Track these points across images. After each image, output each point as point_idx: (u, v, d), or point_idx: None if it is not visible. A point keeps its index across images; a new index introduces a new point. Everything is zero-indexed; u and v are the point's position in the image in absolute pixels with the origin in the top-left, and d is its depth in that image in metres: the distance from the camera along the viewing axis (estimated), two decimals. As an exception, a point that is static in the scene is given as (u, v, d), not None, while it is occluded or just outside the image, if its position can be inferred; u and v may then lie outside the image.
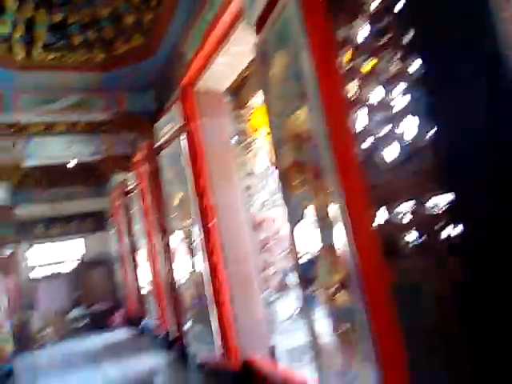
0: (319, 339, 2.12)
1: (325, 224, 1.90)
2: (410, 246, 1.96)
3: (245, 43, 3.03)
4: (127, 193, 7.16)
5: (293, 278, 4.09)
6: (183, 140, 3.88)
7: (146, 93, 4.71)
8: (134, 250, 7.33)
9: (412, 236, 1.97)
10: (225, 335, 3.73)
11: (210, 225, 3.72)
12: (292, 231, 2.24)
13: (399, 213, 2.02)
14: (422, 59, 1.76)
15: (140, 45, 3.83)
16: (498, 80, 1.38)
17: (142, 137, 4.88)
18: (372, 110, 2.05)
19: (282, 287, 4.25)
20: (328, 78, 1.76)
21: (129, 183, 6.84)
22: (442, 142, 1.76)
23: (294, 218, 2.16)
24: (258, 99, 4.71)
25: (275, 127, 2.22)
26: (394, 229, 2.01)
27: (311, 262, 2.10)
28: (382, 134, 2.06)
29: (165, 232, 4.61)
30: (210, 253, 3.78)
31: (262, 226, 4.38)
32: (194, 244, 3.95)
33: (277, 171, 2.30)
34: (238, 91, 4.18)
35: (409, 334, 1.71)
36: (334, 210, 1.81)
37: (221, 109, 3.90)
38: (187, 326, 4.27)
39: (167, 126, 4.16)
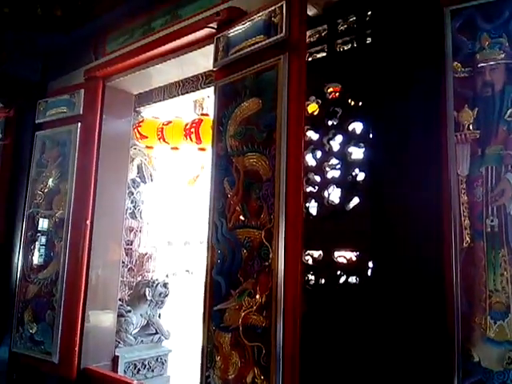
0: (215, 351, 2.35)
1: (259, 253, 2.19)
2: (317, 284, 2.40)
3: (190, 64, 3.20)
4: None
5: (150, 292, 4.15)
6: (78, 129, 3.69)
7: (36, 60, 4.31)
8: None
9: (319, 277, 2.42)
10: (66, 340, 3.52)
11: (86, 222, 3.56)
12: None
13: (312, 257, 2.45)
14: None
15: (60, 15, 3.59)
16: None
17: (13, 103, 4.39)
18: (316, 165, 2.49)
19: (135, 299, 4.25)
20: (296, 131, 2.12)
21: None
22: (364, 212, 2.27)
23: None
24: (150, 111, 4.77)
25: (223, 157, 2.46)
26: (307, 268, 2.43)
27: (228, 282, 2.34)
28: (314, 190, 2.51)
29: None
30: (74, 252, 3.59)
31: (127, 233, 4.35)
32: (56, 239, 3.69)
33: (208, 197, 2.51)
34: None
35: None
36: (273, 243, 2.12)
37: (127, 110, 3.86)
38: (16, 323, 3.85)
39: (57, 109, 3.87)
